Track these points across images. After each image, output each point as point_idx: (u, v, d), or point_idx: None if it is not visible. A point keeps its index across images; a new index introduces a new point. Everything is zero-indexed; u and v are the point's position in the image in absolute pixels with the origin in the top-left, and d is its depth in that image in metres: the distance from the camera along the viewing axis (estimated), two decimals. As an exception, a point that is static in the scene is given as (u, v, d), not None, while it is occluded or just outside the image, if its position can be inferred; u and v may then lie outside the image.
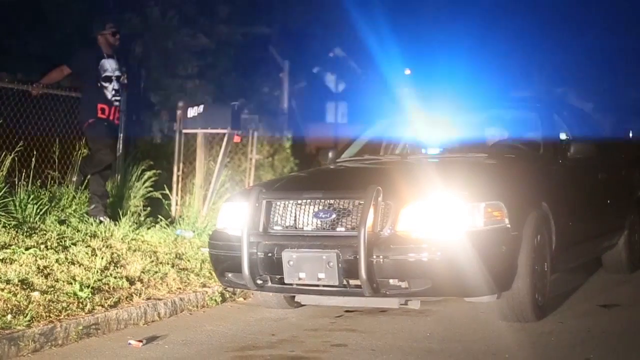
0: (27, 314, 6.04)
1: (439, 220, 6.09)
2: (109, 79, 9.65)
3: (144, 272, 7.70)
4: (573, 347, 5.96)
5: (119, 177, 10.19)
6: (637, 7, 28.44)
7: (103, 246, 8.28)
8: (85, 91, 9.75)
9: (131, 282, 7.38)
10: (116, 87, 9.69)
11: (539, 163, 7.53)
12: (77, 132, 10.01)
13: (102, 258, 7.74)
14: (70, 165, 9.80)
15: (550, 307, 7.04)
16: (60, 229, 8.67)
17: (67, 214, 9.32)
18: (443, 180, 6.48)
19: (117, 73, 9.73)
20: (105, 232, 8.87)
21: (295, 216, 6.47)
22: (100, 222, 9.18)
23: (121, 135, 10.28)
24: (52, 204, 9.31)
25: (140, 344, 6.09)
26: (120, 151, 10.21)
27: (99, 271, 7.41)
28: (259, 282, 6.47)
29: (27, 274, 6.93)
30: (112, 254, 8.07)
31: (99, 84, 9.59)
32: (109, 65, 9.68)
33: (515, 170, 7.21)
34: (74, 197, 9.57)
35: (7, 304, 6.20)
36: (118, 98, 9.70)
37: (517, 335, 6.26)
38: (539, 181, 7.24)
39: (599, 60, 31.14)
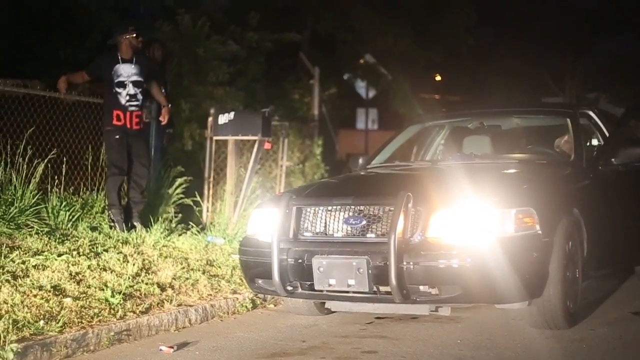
0: (60, 320, 6.08)
1: (469, 227, 6.07)
2: (122, 84, 9.54)
3: (175, 279, 7.73)
4: (605, 354, 5.93)
5: (150, 184, 10.23)
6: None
7: (134, 252, 8.32)
8: (104, 97, 9.75)
9: (162, 288, 7.41)
10: (132, 92, 9.57)
11: (570, 169, 7.49)
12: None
13: (134, 264, 7.78)
14: (101, 173, 9.83)
15: (582, 314, 6.99)
16: (92, 236, 8.72)
17: (99, 221, 9.37)
18: (474, 186, 6.46)
19: (133, 78, 9.62)
20: (136, 238, 8.91)
21: (326, 222, 6.48)
22: (113, 222, 9.26)
23: (152, 141, 10.31)
24: (84, 211, 9.37)
25: (172, 350, 6.11)
26: (153, 158, 10.24)
27: (131, 277, 7.45)
28: (289, 288, 6.49)
29: (60, 280, 6.98)
30: (144, 260, 8.11)
31: (113, 90, 9.57)
32: (123, 71, 9.58)
33: (546, 176, 7.18)
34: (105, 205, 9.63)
35: (39, 310, 6.25)
36: (134, 103, 9.59)
37: (548, 342, 6.22)
38: (570, 187, 7.21)
39: (631, 65, 30.97)
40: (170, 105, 10.22)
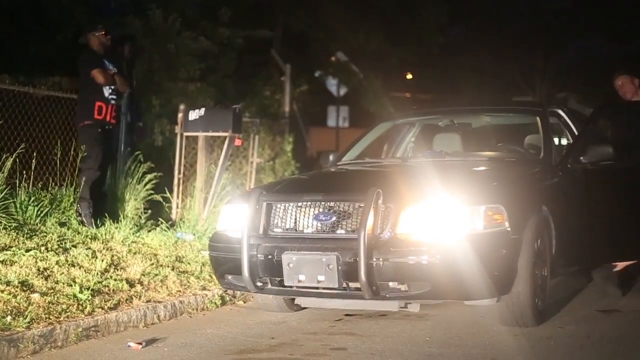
0: (27, 316, 6.04)
1: (439, 223, 6.09)
2: None
3: (144, 275, 7.70)
4: (572, 352, 5.96)
5: (121, 179, 10.19)
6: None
7: (103, 248, 8.28)
8: (83, 89, 9.74)
9: (131, 284, 7.38)
10: (113, 85, 9.69)
11: (539, 167, 7.52)
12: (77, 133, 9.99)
13: (102, 260, 7.74)
14: (70, 168, 9.77)
15: (550, 311, 7.03)
16: (61, 231, 8.67)
17: (67, 216, 9.31)
18: (443, 183, 6.48)
19: (113, 71, 9.76)
20: (105, 234, 8.87)
21: (296, 218, 6.47)
22: (81, 216, 9.23)
23: (122, 137, 10.28)
24: (53, 206, 9.31)
25: (140, 346, 6.08)
26: (121, 154, 10.21)
27: (99, 273, 7.41)
28: (259, 284, 6.48)
29: (27, 276, 6.94)
30: (113, 256, 8.07)
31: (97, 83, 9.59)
32: (107, 64, 9.71)
33: (516, 174, 7.20)
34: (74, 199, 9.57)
35: (7, 306, 6.20)
36: (114, 96, 9.70)
37: (516, 340, 6.25)
38: (540, 185, 7.24)
39: (601, 66, 31.19)
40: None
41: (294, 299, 7.06)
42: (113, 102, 9.67)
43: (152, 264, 8.09)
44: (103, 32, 9.79)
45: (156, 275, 7.78)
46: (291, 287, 6.38)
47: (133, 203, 10.24)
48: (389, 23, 23.53)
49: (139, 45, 13.64)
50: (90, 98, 9.56)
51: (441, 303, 6.91)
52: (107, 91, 9.59)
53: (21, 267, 7.13)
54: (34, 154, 9.36)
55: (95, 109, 9.49)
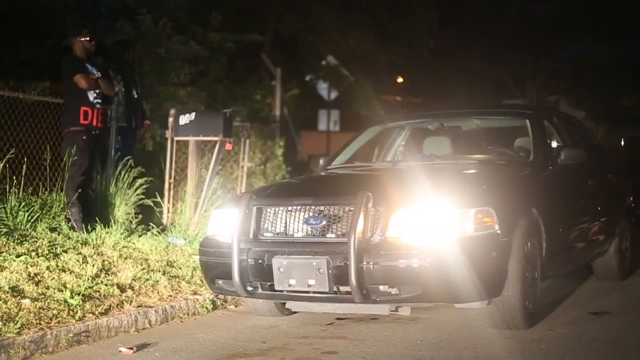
0: (18, 322, 6.03)
1: (429, 226, 6.09)
2: None
3: (135, 280, 7.69)
4: (563, 355, 5.97)
5: (112, 183, 10.17)
6: (629, 18, 28.63)
7: (94, 253, 8.27)
8: (67, 95, 9.73)
9: (122, 289, 7.36)
10: (97, 90, 9.70)
11: (529, 169, 7.53)
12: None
13: (93, 265, 7.73)
14: (60, 173, 9.76)
15: (541, 314, 7.05)
16: (52, 237, 8.66)
17: (58, 221, 9.29)
18: (433, 186, 6.48)
19: (97, 75, 9.77)
20: (96, 239, 8.86)
21: (286, 223, 6.47)
22: (71, 222, 9.22)
23: (112, 142, 10.27)
24: (43, 212, 9.30)
25: (131, 351, 6.08)
26: (111, 158, 10.20)
27: (90, 278, 7.40)
28: (250, 288, 6.47)
29: (18, 281, 6.92)
30: (103, 261, 8.06)
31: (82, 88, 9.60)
32: (91, 69, 9.72)
33: (506, 177, 7.22)
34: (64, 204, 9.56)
35: (-3, 311, 6.20)
36: (100, 101, 9.70)
37: (507, 343, 6.26)
38: (529, 187, 7.25)
39: (591, 69, 31.30)
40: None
41: (284, 303, 7.05)
42: (99, 106, 9.66)
43: (143, 268, 8.08)
44: (88, 38, 9.80)
45: (147, 280, 7.77)
46: (282, 291, 6.38)
47: (124, 208, 10.22)
48: (380, 27, 23.54)
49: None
50: (75, 103, 9.56)
51: (432, 306, 6.91)
52: (91, 96, 9.59)
53: (12, 272, 7.12)
54: (24, 159, 9.34)
55: (81, 114, 9.49)
